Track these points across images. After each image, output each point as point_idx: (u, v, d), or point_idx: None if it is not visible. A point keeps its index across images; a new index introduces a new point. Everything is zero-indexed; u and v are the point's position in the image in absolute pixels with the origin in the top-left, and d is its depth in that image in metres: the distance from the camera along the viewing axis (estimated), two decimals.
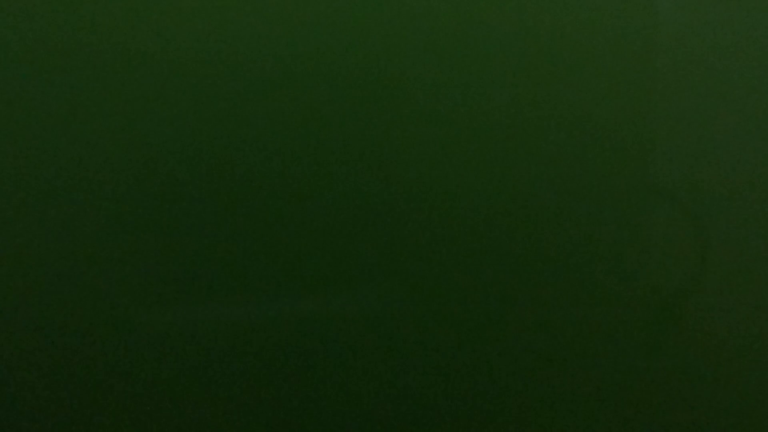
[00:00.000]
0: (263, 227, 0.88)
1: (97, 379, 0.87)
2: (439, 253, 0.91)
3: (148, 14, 0.85)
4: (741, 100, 0.96)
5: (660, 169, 0.95)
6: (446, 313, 0.91)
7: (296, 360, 0.89)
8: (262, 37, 0.87)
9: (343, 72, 0.88)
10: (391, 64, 0.89)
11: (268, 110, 0.87)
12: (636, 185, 0.95)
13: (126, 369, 0.87)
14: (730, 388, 0.97)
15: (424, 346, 0.91)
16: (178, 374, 0.88)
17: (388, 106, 0.89)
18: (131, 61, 0.85)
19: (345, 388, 0.90)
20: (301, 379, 0.89)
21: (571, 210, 0.92)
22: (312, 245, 0.89)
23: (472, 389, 0.92)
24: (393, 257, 0.90)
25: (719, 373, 0.97)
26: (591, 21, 0.92)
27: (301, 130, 0.88)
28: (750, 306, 0.97)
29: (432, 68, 0.90)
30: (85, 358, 0.86)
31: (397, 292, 0.91)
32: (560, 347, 0.94)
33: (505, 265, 0.92)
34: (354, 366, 0.90)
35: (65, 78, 0.85)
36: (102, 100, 0.85)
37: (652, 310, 0.95)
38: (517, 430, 0.94)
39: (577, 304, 0.93)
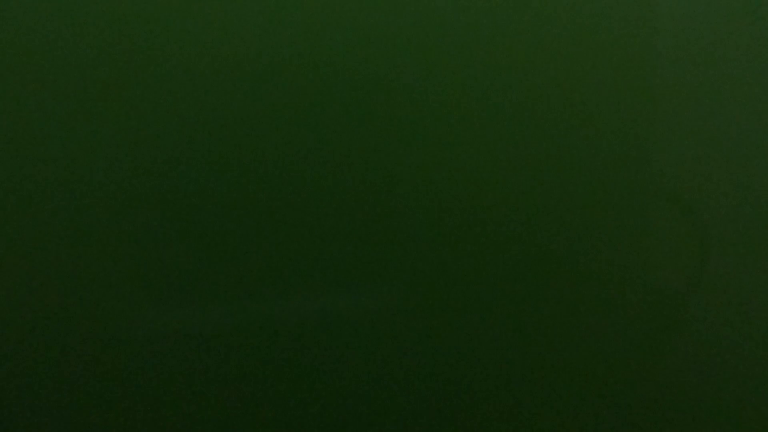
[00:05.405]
0: (262, 228, 0.88)
1: (98, 379, 0.87)
2: (439, 253, 0.91)
3: (146, 14, 0.85)
4: (741, 101, 0.96)
5: (661, 170, 0.95)
6: (446, 313, 0.92)
7: (296, 360, 0.90)
8: (260, 37, 0.87)
9: (343, 73, 0.88)
10: (392, 64, 0.89)
11: (266, 112, 0.88)
12: (637, 186, 0.95)
13: (126, 369, 0.87)
14: (730, 388, 0.97)
15: (424, 347, 0.91)
16: (177, 374, 0.88)
17: (390, 107, 0.89)
18: (134, 64, 0.85)
19: (344, 388, 0.90)
20: (300, 379, 0.90)
21: (571, 211, 0.93)
22: (311, 246, 0.89)
23: (472, 389, 0.92)
24: (393, 258, 0.90)
25: (719, 373, 0.97)
26: (591, 21, 0.92)
27: (300, 133, 0.88)
28: (750, 306, 0.97)
29: (431, 68, 0.90)
30: (85, 358, 0.87)
31: (397, 293, 0.91)
32: (561, 347, 0.94)
33: (506, 266, 0.92)
34: (353, 366, 0.90)
35: (69, 80, 0.85)
36: (102, 101, 0.85)
37: (653, 310, 0.95)
38: (517, 429, 0.94)
39: (578, 304, 0.94)
